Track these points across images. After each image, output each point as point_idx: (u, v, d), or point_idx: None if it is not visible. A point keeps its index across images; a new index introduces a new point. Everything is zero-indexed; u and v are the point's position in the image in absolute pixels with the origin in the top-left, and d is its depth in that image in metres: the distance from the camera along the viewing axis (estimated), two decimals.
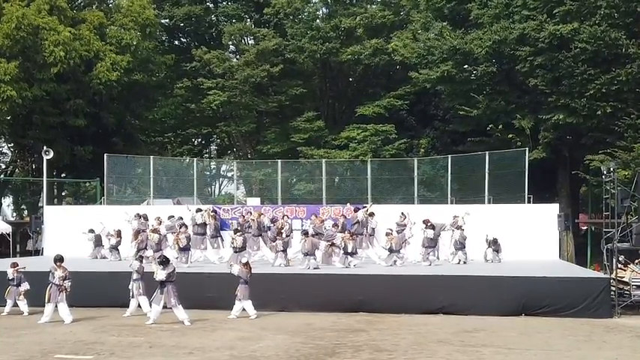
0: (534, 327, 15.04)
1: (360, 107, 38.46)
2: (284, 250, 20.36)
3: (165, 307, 15.35)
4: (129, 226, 23.07)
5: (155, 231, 21.17)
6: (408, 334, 14.04)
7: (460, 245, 21.42)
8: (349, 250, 19.83)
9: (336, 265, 19.98)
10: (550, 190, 32.61)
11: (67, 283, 15.65)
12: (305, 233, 20.50)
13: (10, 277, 16.90)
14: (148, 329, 14.72)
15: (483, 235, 22.00)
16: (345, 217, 22.50)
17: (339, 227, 21.49)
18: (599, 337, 14.04)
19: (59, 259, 15.91)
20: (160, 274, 15.17)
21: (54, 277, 15.65)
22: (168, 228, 22.35)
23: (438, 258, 20.96)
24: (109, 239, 23.22)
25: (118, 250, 22.90)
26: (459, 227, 21.72)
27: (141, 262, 16.57)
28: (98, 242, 23.63)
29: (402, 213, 22.44)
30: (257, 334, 14.10)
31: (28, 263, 18.41)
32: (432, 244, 20.95)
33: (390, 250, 20.30)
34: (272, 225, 22.05)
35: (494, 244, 21.77)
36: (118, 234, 23.11)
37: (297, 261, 20.30)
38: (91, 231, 23.68)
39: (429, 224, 21.12)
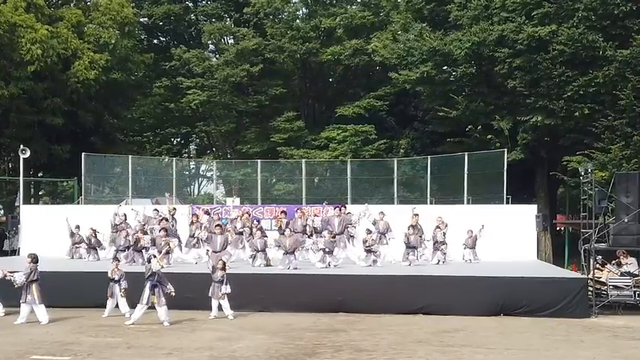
0: (513, 327, 15.14)
1: (339, 108, 38.50)
2: (263, 250, 20.26)
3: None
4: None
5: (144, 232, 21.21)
6: (388, 335, 14.05)
7: (439, 245, 21.47)
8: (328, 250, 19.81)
9: (315, 265, 19.95)
10: (528, 190, 32.83)
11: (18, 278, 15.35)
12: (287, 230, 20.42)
13: None
14: (126, 330, 14.60)
15: (462, 235, 22.06)
16: (317, 215, 22.67)
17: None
18: (576, 336, 14.16)
19: (29, 256, 15.74)
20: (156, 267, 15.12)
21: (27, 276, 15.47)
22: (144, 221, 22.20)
23: (417, 258, 20.99)
24: (91, 240, 22.89)
25: (96, 249, 22.66)
26: (438, 227, 21.79)
27: (118, 261, 16.43)
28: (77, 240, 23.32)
29: (382, 212, 22.42)
30: (236, 334, 14.04)
31: (5, 263, 18.17)
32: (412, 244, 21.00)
33: (369, 251, 20.32)
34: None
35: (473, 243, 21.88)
36: (94, 233, 22.84)
37: (277, 261, 20.26)
38: (77, 227, 23.35)
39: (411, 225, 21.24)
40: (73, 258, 23.04)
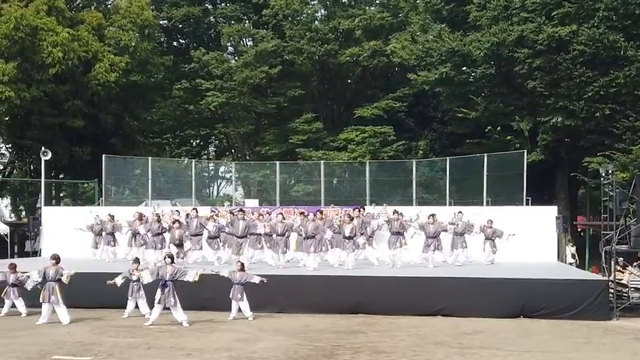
0: (533, 329, 15.03)
1: (358, 109, 38.50)
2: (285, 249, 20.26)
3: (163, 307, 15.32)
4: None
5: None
6: (407, 336, 14.01)
7: (460, 245, 21.29)
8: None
9: (333, 265, 19.95)
10: (548, 192, 32.63)
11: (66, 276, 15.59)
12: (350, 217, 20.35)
13: (12, 281, 16.86)
14: (146, 330, 14.69)
15: (481, 237, 21.84)
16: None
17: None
18: (597, 339, 14.03)
19: (53, 258, 15.91)
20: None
21: (48, 276, 15.65)
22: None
23: (438, 249, 20.65)
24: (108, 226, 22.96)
25: (113, 236, 22.67)
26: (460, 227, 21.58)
27: (138, 263, 16.57)
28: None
29: (396, 211, 22.17)
30: (255, 335, 14.07)
31: (27, 264, 18.35)
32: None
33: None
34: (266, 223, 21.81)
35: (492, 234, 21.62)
36: (112, 218, 22.92)
37: (294, 262, 20.28)
38: (97, 216, 23.57)
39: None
40: (97, 248, 23.08)
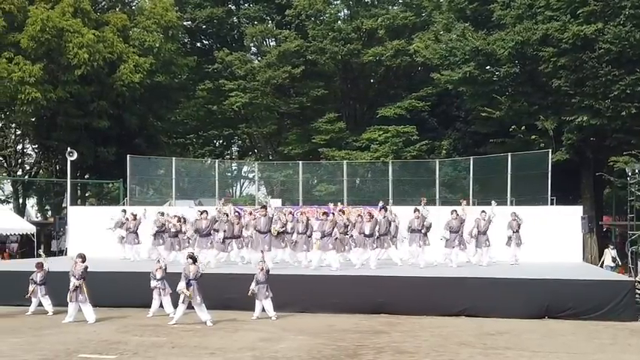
0: (558, 330, 14.91)
1: (381, 108, 38.46)
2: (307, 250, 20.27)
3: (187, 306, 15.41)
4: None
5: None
6: (430, 337, 13.97)
7: (483, 244, 21.14)
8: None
9: (356, 265, 19.92)
10: (573, 191, 32.34)
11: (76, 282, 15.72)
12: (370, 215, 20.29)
13: (39, 279, 17.06)
14: (171, 329, 14.79)
15: (505, 237, 21.67)
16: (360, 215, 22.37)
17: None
18: (623, 340, 13.88)
19: (79, 257, 16.07)
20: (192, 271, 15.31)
21: (75, 275, 15.81)
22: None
23: (460, 244, 20.51)
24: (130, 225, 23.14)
25: (136, 234, 22.87)
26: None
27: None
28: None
29: (416, 208, 22.04)
30: (278, 335, 14.11)
31: (52, 263, 18.54)
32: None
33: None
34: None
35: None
36: (134, 217, 23.11)
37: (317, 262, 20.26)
38: (124, 211, 23.79)
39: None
40: (122, 243, 23.27)
